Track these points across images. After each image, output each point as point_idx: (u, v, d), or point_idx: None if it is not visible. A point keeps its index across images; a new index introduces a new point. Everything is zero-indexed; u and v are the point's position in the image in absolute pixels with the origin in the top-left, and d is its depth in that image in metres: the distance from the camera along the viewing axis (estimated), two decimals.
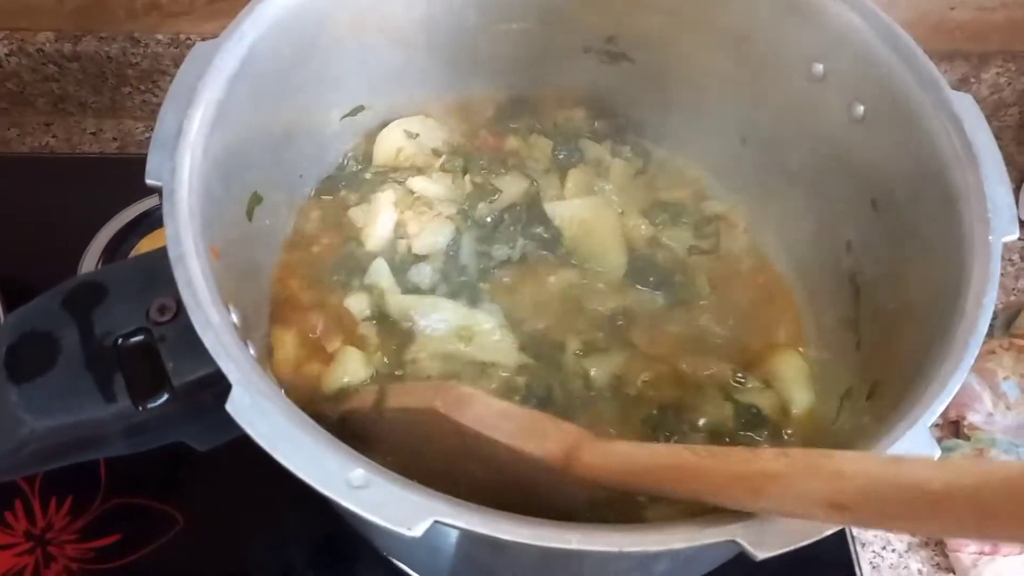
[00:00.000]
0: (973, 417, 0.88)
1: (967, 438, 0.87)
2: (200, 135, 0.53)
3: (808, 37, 0.65)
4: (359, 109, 0.75)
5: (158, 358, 0.46)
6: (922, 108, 0.58)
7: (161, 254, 0.48)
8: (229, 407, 0.42)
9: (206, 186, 0.53)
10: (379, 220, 0.71)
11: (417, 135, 0.77)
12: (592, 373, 0.64)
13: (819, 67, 0.65)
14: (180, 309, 0.46)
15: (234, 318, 0.50)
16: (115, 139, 1.06)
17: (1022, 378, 0.89)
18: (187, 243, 0.48)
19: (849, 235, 0.67)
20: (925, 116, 0.58)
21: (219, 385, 0.43)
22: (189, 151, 0.52)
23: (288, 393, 0.50)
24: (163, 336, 0.47)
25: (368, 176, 0.75)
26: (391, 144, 0.76)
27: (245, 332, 0.53)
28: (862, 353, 0.64)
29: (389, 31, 0.71)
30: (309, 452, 0.41)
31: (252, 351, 0.54)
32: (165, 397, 0.46)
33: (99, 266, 0.88)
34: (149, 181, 0.50)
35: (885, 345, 0.60)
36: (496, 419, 0.47)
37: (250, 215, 0.63)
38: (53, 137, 1.05)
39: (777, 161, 0.73)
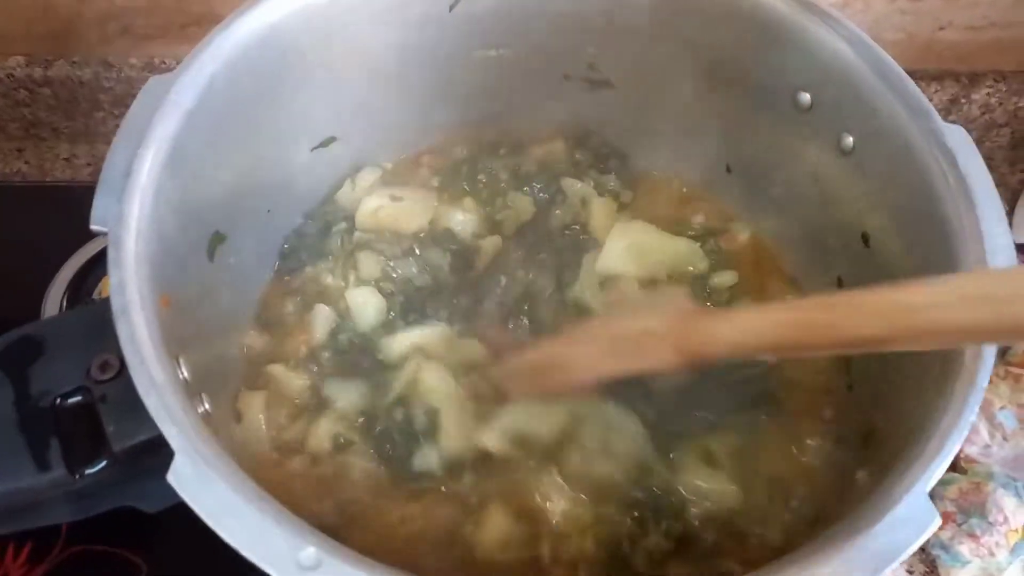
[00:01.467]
0: (970, 449, 0.85)
1: (964, 471, 0.84)
2: (152, 176, 0.50)
3: (794, 65, 0.63)
4: (330, 140, 0.72)
5: (98, 420, 0.43)
6: (913, 139, 0.55)
7: (105, 305, 0.45)
8: (171, 477, 0.39)
9: (159, 230, 0.50)
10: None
11: (402, 199, 0.74)
12: None
13: (806, 96, 0.63)
14: (123, 366, 0.43)
15: (184, 373, 0.47)
16: (88, 164, 1.02)
17: (1019, 408, 0.86)
18: (132, 294, 0.45)
19: (840, 270, 0.65)
20: (916, 148, 0.55)
21: (163, 451, 0.40)
22: (139, 194, 0.49)
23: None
24: (104, 396, 0.44)
25: (341, 237, 0.72)
26: (371, 205, 0.73)
27: (198, 386, 0.50)
28: (854, 396, 0.61)
29: (359, 59, 0.69)
30: (257, 528, 0.38)
31: (207, 406, 0.52)
32: (104, 463, 0.43)
33: (64, 298, 0.85)
34: (94, 227, 0.47)
35: (878, 390, 0.57)
36: (605, 362, 0.53)
37: (211, 255, 0.60)
38: (25, 163, 1.02)
39: (764, 191, 0.71)
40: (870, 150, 0.59)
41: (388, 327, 0.67)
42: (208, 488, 0.39)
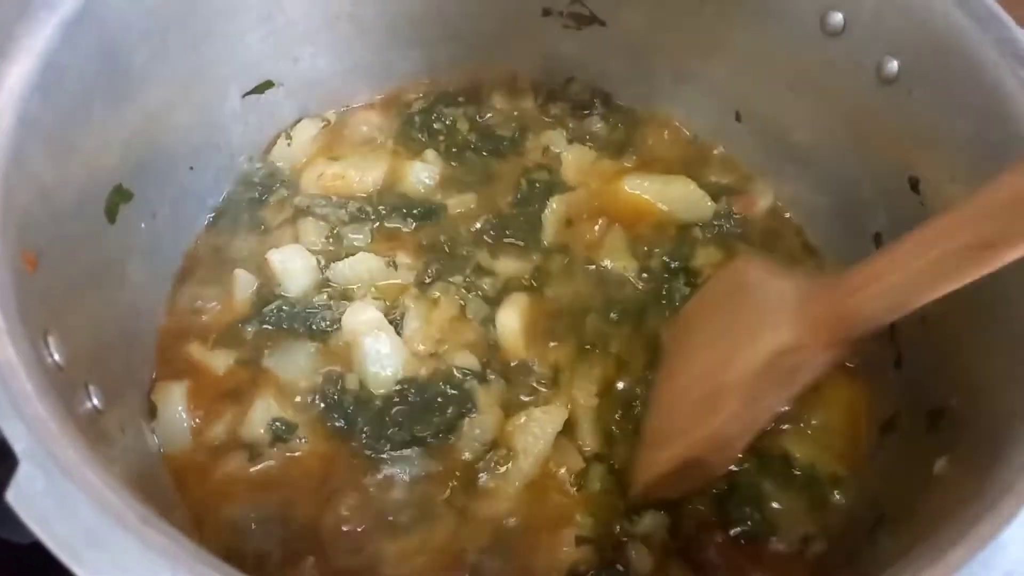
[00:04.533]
0: None
1: None
2: (14, 94, 0.38)
3: None
4: (266, 85, 0.60)
5: None
6: (979, 53, 0.45)
7: None
8: (10, 494, 0.27)
9: (27, 169, 0.38)
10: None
11: (343, 158, 0.63)
12: None
13: (837, 17, 0.53)
14: None
15: (54, 355, 0.35)
16: None
17: None
18: None
19: (879, 224, 0.54)
20: (985, 63, 0.45)
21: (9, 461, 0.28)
22: None
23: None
24: None
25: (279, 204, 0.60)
26: (315, 172, 0.62)
27: (82, 375, 0.38)
28: (904, 372, 0.51)
29: None
30: (134, 565, 0.26)
31: (95, 402, 0.39)
32: None
33: None
34: None
35: (941, 364, 0.47)
36: (748, 420, 0.46)
37: (111, 215, 0.48)
38: None
39: (783, 139, 0.61)
40: (920, 74, 0.49)
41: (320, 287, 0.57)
42: (65, 508, 0.27)
